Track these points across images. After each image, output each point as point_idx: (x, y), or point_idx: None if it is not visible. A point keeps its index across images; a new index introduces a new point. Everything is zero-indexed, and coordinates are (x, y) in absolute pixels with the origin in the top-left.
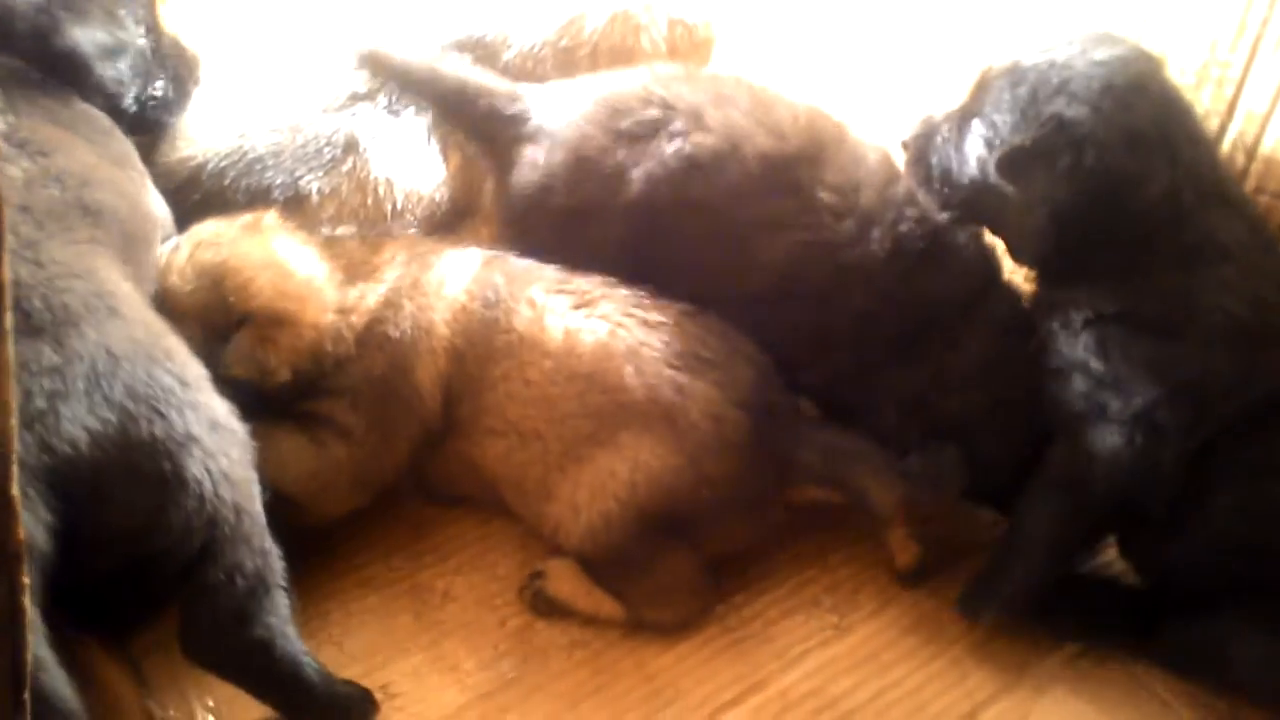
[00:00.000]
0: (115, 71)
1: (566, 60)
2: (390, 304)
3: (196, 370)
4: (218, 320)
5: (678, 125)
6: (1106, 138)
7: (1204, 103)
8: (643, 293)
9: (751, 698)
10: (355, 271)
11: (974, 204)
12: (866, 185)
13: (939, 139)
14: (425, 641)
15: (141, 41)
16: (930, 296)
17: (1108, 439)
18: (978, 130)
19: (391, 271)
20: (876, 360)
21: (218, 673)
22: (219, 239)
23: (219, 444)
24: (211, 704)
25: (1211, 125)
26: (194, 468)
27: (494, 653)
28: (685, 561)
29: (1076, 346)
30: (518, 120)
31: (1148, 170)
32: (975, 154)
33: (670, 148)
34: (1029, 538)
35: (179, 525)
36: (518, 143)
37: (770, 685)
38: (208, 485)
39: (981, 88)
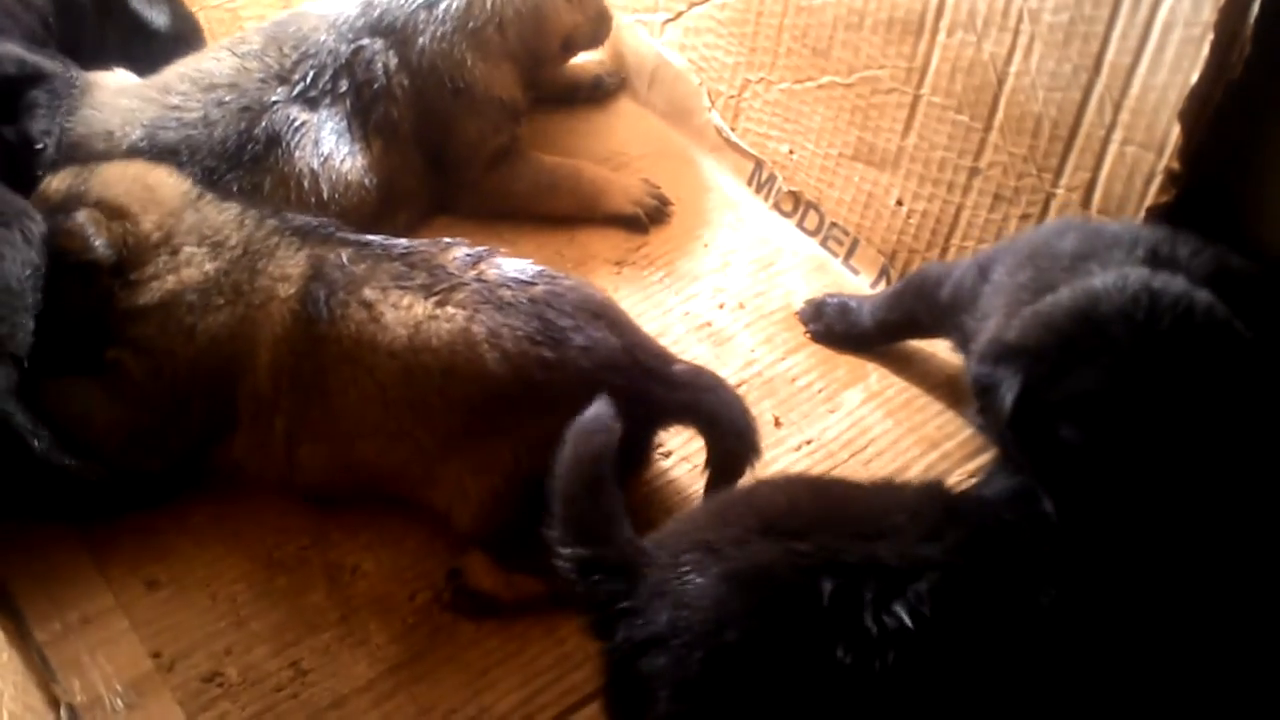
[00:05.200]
0: None
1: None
2: (207, 296)
3: None
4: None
5: None
6: None
7: (1071, 58)
8: (495, 264)
9: None
10: (199, 235)
11: None
12: None
13: None
14: (335, 618)
15: None
16: None
17: None
18: None
19: (211, 263)
20: None
21: None
22: (110, 167)
23: None
24: (119, 688)
25: (1080, 80)
26: None
27: (404, 626)
28: None
29: None
30: None
31: None
32: None
33: None
34: None
35: None
36: None
37: None
38: None
39: None
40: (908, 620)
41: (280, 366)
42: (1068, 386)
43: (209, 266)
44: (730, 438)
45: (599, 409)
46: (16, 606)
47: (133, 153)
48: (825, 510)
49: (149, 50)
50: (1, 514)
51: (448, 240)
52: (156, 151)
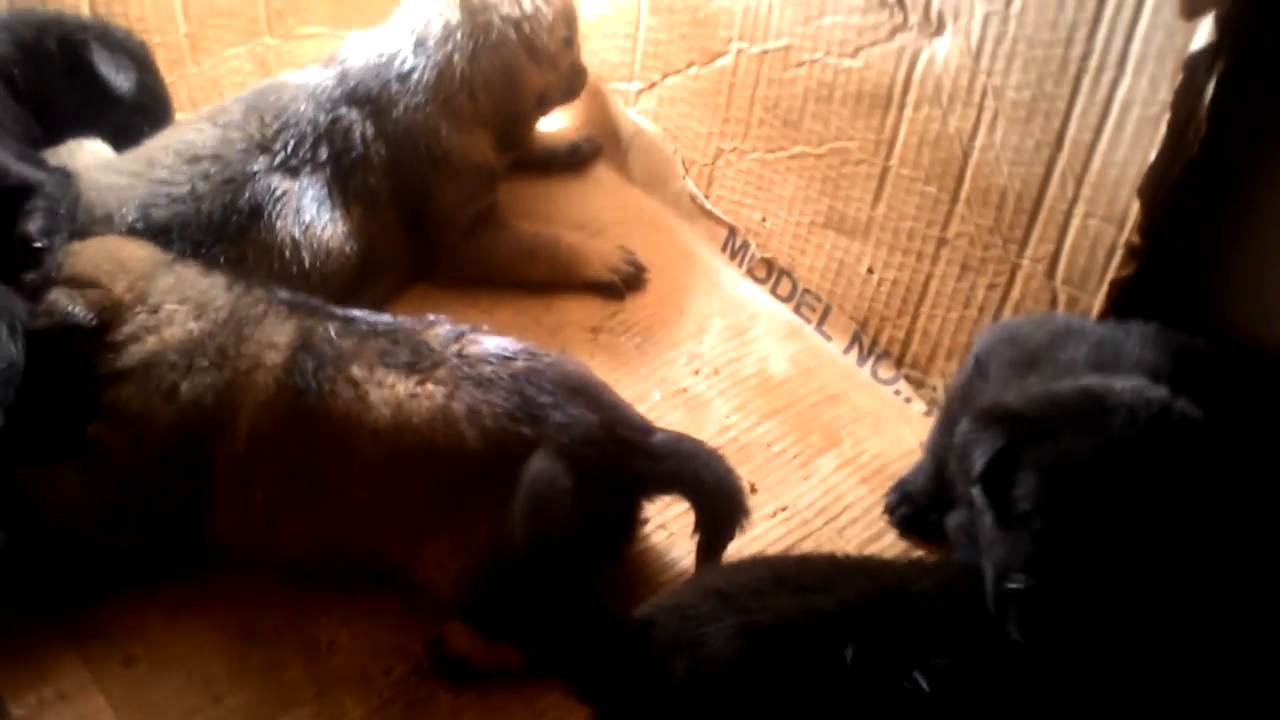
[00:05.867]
0: None
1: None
2: (189, 357)
3: None
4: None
5: None
6: None
7: (1034, 134)
8: (477, 340)
9: None
10: (179, 294)
11: None
12: None
13: None
14: (311, 694)
15: None
16: None
17: None
18: None
19: (195, 322)
20: None
21: None
22: (80, 246)
23: None
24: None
25: (1043, 155)
26: None
27: (380, 700)
28: None
29: None
30: None
31: None
32: None
33: None
34: None
35: None
36: None
37: None
38: None
39: None
40: (925, 687)
41: (261, 433)
42: (1046, 450)
43: (192, 325)
44: (719, 499)
45: (542, 472)
46: None
47: (130, 235)
48: (841, 569)
49: (108, 116)
50: None
51: (431, 317)
52: (151, 231)
